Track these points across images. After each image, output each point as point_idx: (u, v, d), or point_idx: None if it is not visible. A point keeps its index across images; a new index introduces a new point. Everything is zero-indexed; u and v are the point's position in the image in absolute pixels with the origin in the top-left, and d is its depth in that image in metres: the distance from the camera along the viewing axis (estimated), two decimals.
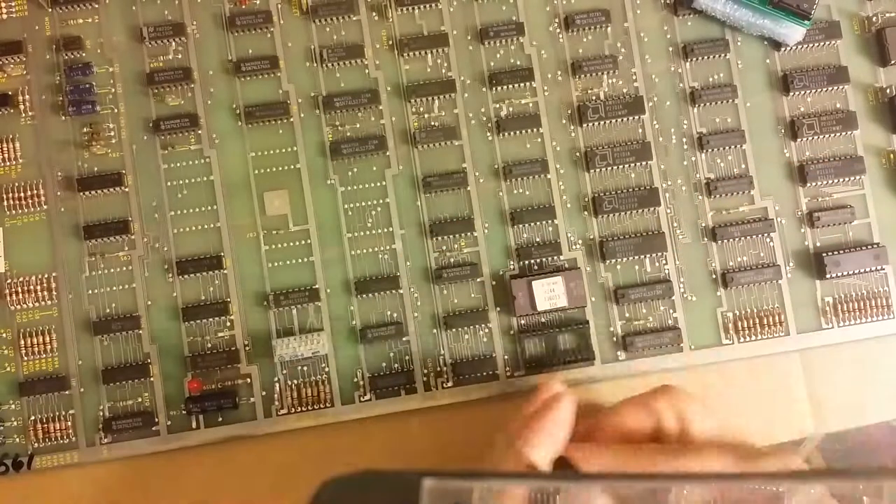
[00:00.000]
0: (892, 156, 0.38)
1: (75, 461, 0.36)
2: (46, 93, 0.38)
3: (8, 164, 0.38)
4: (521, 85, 0.38)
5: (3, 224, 0.37)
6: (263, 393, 0.37)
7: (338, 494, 0.17)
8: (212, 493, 0.36)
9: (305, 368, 0.37)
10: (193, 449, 0.37)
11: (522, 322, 0.37)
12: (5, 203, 0.37)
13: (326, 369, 0.37)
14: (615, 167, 0.38)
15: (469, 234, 0.38)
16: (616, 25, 0.39)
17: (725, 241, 0.38)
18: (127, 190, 0.38)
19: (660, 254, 0.38)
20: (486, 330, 0.37)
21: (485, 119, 0.38)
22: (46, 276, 0.37)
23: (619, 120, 0.38)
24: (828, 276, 0.37)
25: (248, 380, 0.37)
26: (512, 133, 0.38)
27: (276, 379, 0.37)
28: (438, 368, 0.37)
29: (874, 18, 0.39)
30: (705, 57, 0.38)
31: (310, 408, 0.37)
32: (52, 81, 0.38)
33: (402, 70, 0.38)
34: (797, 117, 0.38)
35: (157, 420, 0.36)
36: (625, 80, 0.39)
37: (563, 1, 0.39)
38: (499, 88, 0.38)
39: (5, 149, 0.38)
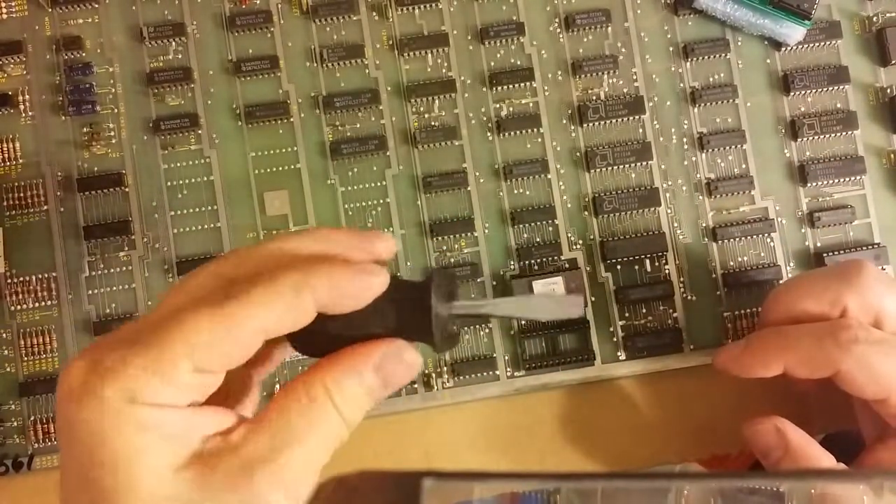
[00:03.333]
0: (892, 156, 0.38)
1: None
2: (46, 93, 0.38)
3: (8, 164, 0.38)
4: (522, 85, 0.38)
5: (3, 224, 0.37)
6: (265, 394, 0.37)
7: (336, 495, 0.17)
8: None
9: (302, 368, 0.37)
10: None
11: (523, 322, 0.37)
12: (5, 203, 0.37)
13: None
14: (615, 167, 0.38)
15: (469, 234, 0.38)
16: (616, 25, 0.39)
17: (726, 241, 0.38)
18: (127, 190, 0.38)
19: (660, 254, 0.38)
20: (487, 330, 0.37)
21: (485, 119, 0.38)
22: (46, 276, 0.37)
23: (620, 120, 0.38)
24: None
25: None
26: (512, 133, 0.38)
27: (276, 379, 0.37)
28: (439, 368, 0.37)
29: (874, 18, 0.39)
30: (706, 57, 0.38)
31: None
32: (52, 81, 0.38)
33: (403, 70, 0.38)
34: (797, 117, 0.38)
35: None
36: (625, 79, 0.38)
37: (563, 1, 0.39)
38: (499, 88, 0.38)
39: (5, 149, 0.38)
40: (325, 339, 0.25)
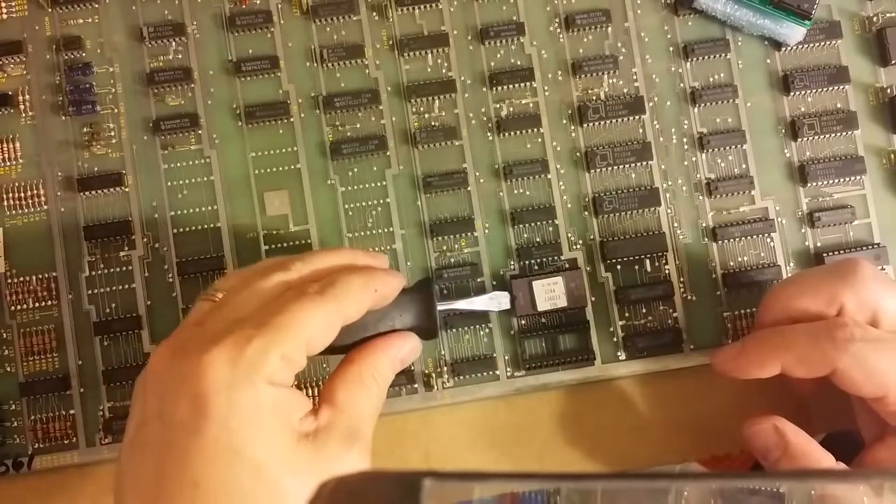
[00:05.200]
0: (892, 156, 0.38)
1: (75, 461, 0.36)
2: (46, 93, 0.38)
3: (8, 164, 0.38)
4: (522, 85, 0.38)
5: (3, 224, 0.37)
6: None
7: (337, 495, 0.17)
8: None
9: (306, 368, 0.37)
10: None
11: (523, 322, 0.37)
12: (5, 203, 0.37)
13: (327, 368, 0.37)
14: (615, 167, 0.38)
15: (469, 234, 0.38)
16: (616, 25, 0.39)
17: (726, 241, 0.38)
18: (127, 190, 0.38)
19: (660, 254, 0.38)
20: (487, 330, 0.37)
21: (485, 119, 0.38)
22: (46, 276, 0.37)
23: (620, 120, 0.38)
24: None
25: None
26: (512, 133, 0.38)
27: None
28: (439, 368, 0.37)
29: (874, 18, 0.39)
30: (706, 57, 0.38)
31: None
32: (52, 81, 0.38)
33: (403, 70, 0.38)
34: (798, 117, 0.38)
35: None
36: (625, 80, 0.38)
37: (563, 1, 0.39)
38: (499, 88, 0.38)
39: (5, 149, 0.38)
40: (354, 332, 0.31)
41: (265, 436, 0.27)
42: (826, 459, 0.31)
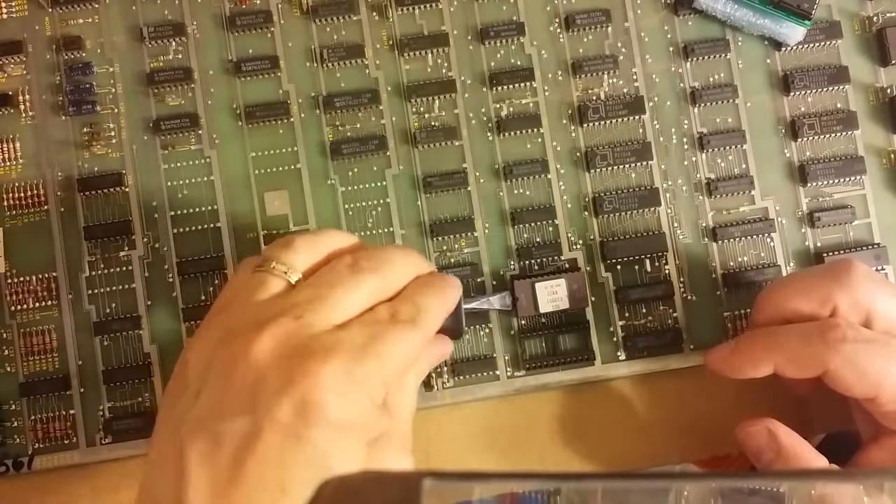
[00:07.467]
0: (892, 156, 0.38)
1: (75, 461, 0.36)
2: (46, 93, 0.38)
3: (8, 164, 0.38)
4: (522, 85, 0.38)
5: (3, 224, 0.37)
6: None
7: (338, 495, 0.17)
8: None
9: None
10: None
11: (523, 322, 0.37)
12: (5, 203, 0.37)
13: None
14: (615, 167, 0.38)
15: (469, 234, 0.38)
16: (616, 25, 0.39)
17: (726, 241, 0.38)
18: (127, 190, 0.38)
19: (660, 254, 0.38)
20: (487, 330, 0.37)
21: (485, 119, 0.38)
22: (46, 276, 0.37)
23: (620, 120, 0.38)
24: None
25: None
26: (512, 133, 0.38)
27: None
28: (439, 368, 0.37)
29: (875, 18, 0.39)
30: (706, 57, 0.38)
31: None
32: (52, 81, 0.38)
33: (403, 70, 0.38)
34: (798, 117, 0.38)
35: None
36: (625, 79, 0.38)
37: (563, 1, 0.39)
38: (499, 88, 0.38)
39: (5, 149, 0.38)
40: None
41: (354, 452, 0.27)
42: (818, 461, 0.31)
